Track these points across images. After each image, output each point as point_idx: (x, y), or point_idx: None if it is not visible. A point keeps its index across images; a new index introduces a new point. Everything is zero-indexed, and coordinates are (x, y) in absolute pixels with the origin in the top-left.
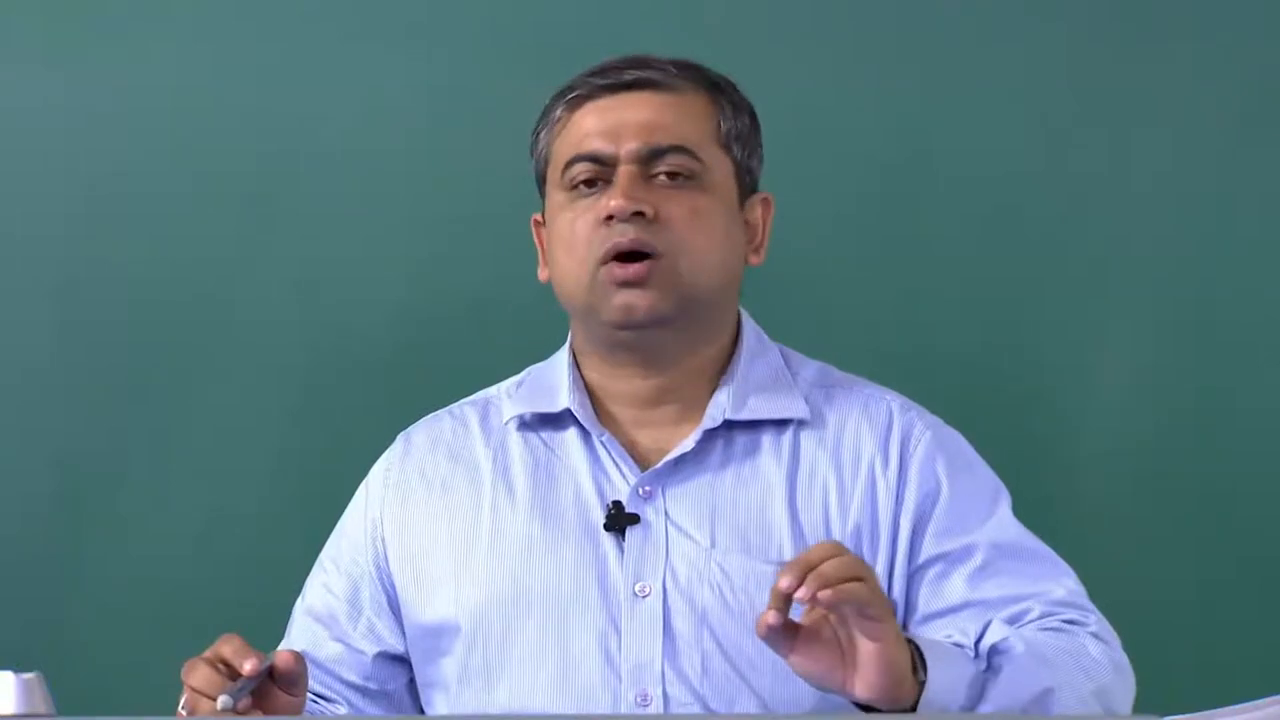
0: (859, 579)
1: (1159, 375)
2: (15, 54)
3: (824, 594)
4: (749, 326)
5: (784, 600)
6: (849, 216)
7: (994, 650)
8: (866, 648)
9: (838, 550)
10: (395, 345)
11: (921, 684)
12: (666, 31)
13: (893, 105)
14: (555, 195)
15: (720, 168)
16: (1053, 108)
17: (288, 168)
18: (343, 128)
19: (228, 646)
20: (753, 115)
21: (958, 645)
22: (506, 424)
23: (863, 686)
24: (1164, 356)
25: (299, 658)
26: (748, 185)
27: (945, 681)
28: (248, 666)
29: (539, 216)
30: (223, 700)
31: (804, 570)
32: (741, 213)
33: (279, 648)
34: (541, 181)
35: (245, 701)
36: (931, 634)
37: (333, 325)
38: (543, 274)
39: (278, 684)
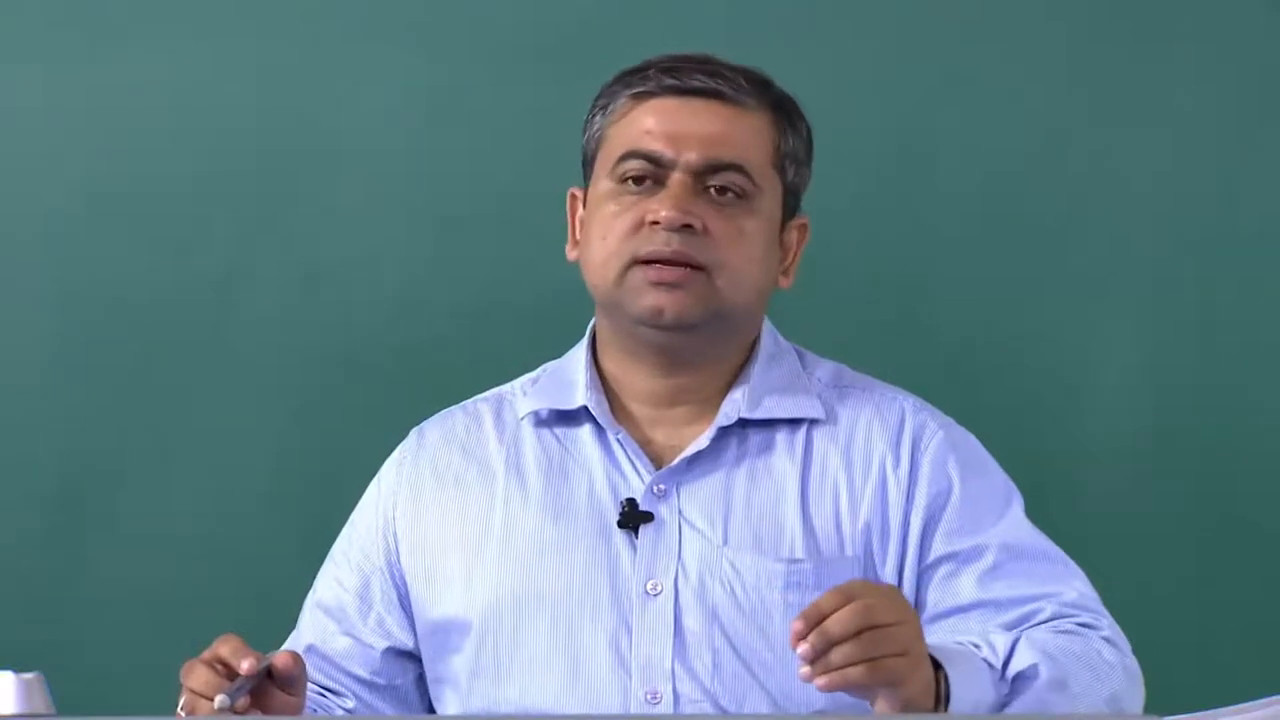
0: (872, 626)
1: (1158, 375)
2: (15, 53)
3: (820, 681)
4: (767, 329)
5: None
6: (849, 216)
7: (1020, 677)
8: (888, 687)
9: (859, 594)
10: (395, 345)
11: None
12: (667, 32)
13: (893, 105)
14: (602, 182)
15: (771, 190)
16: (1053, 108)
17: (288, 168)
18: (343, 128)
19: (225, 647)
20: (809, 134)
21: (986, 662)
22: (521, 420)
23: (883, 708)
24: (1164, 356)
25: (297, 658)
26: (791, 207)
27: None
28: (245, 666)
29: (577, 191)
30: (220, 700)
31: (816, 620)
32: (780, 234)
33: (289, 639)
34: (589, 160)
35: (243, 701)
36: (942, 634)
37: (333, 325)
38: (571, 253)
39: (276, 684)
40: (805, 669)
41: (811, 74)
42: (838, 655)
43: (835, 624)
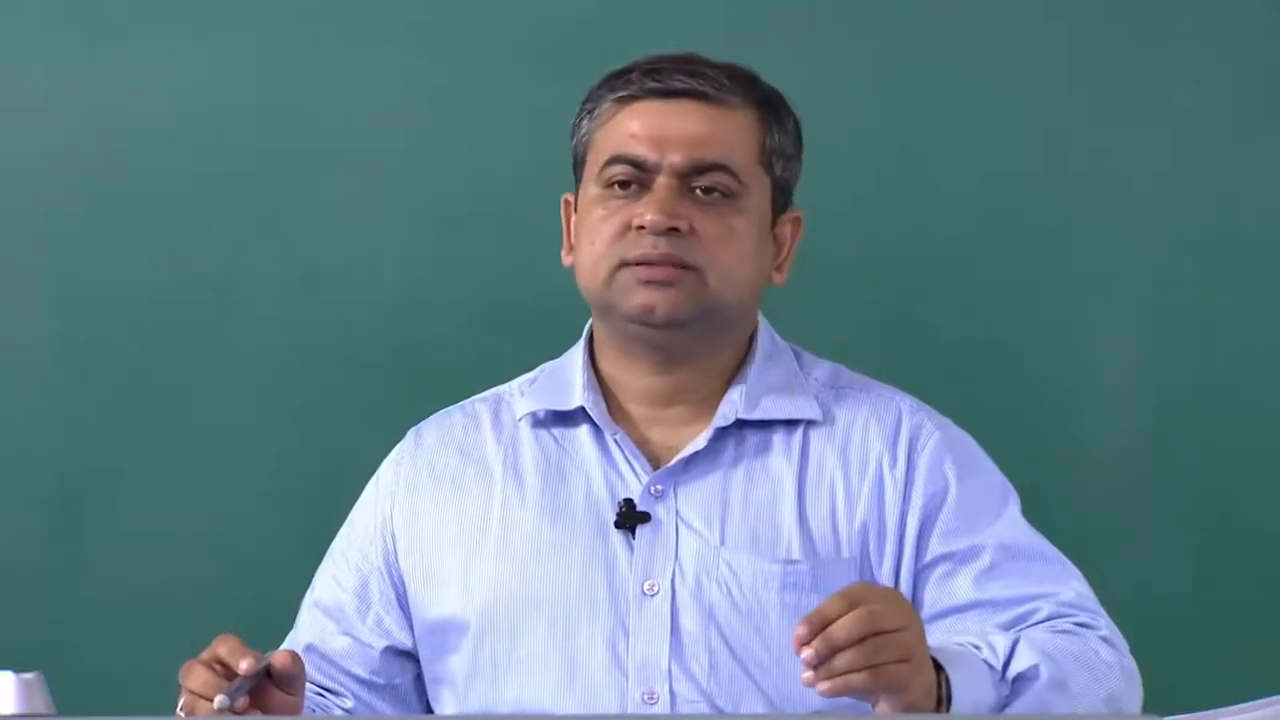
0: (876, 632)
1: (1158, 375)
2: (14, 53)
3: (823, 687)
4: (763, 328)
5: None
6: (849, 216)
7: (1020, 678)
8: (891, 693)
9: (863, 599)
10: (395, 345)
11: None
12: (667, 32)
13: (893, 105)
14: (590, 187)
15: (759, 187)
16: (1053, 108)
17: (288, 167)
18: (343, 128)
19: (224, 646)
20: (797, 129)
21: (987, 663)
22: (519, 421)
23: (884, 710)
24: (1163, 356)
25: (296, 658)
26: (781, 202)
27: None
28: (244, 666)
29: (570, 197)
30: (219, 700)
31: (820, 625)
32: (772, 230)
33: (287, 639)
34: (578, 165)
35: (243, 701)
36: (940, 634)
37: (333, 325)
38: (566, 258)
39: (275, 684)
40: (808, 674)
41: (811, 74)
42: (841, 661)
43: (840, 630)
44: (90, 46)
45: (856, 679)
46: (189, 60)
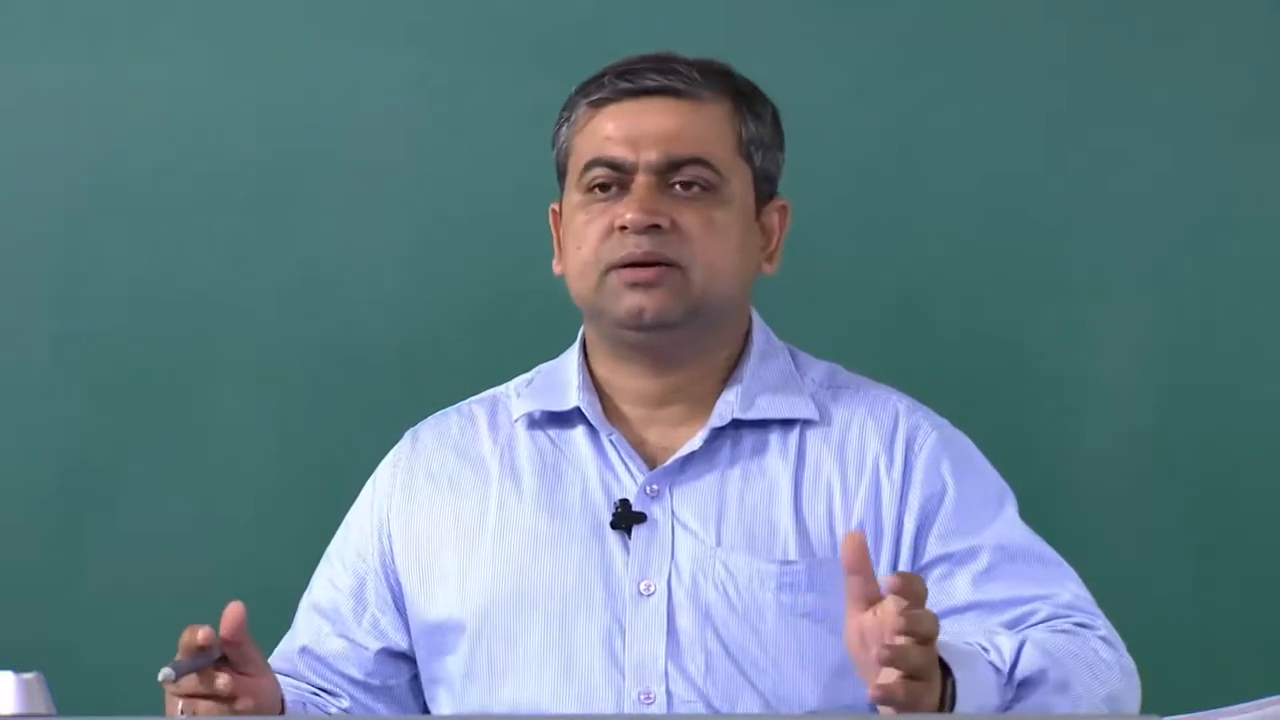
0: (927, 639)
1: (1158, 375)
2: (15, 53)
3: (876, 693)
4: (759, 327)
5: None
6: (848, 215)
7: (1026, 681)
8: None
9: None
10: (395, 346)
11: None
12: (667, 31)
13: (892, 104)
14: (573, 194)
15: (739, 178)
16: (1053, 108)
17: (288, 168)
18: (343, 128)
19: (189, 635)
20: (775, 119)
21: (993, 665)
22: (515, 422)
23: (888, 711)
24: (1163, 356)
25: (236, 609)
26: (766, 192)
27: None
28: (200, 636)
29: (556, 207)
30: (164, 673)
31: (909, 590)
32: (758, 220)
33: (283, 640)
34: (561, 174)
35: (190, 681)
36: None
37: (332, 326)
38: (557, 267)
39: (231, 665)
40: (884, 651)
41: (811, 73)
42: (912, 656)
43: (926, 621)
44: (90, 46)
45: (900, 689)
46: (189, 60)
